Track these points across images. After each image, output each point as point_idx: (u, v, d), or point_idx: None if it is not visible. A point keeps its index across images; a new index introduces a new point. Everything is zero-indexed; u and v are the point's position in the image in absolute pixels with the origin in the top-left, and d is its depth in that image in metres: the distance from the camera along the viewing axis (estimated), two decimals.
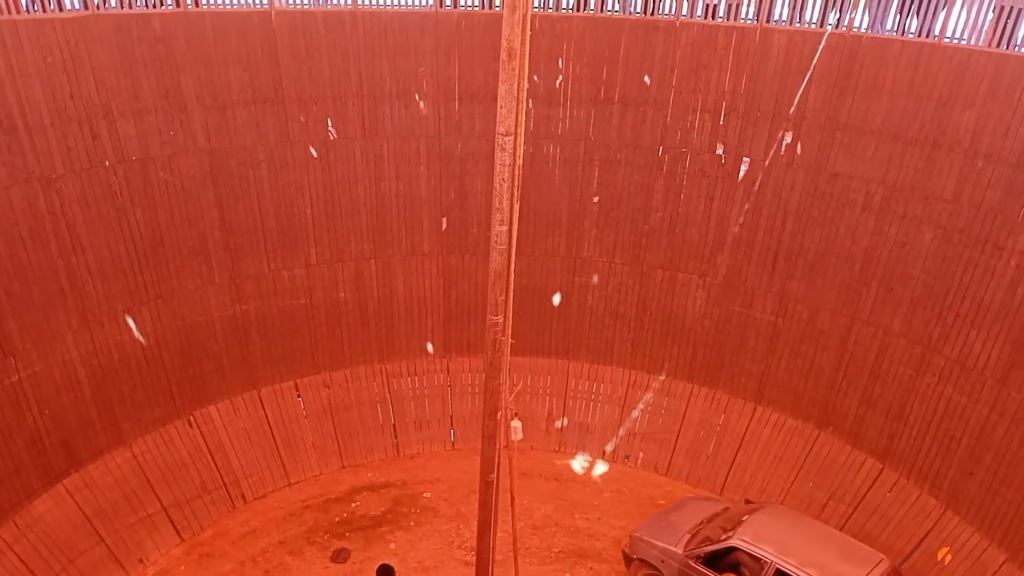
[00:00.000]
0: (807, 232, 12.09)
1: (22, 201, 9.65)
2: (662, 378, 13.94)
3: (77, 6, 10.02)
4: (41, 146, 9.71)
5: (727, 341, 13.27)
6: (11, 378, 9.92)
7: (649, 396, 13.97)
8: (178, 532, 11.77)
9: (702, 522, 10.86)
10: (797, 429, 12.79)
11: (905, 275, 11.20)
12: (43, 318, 10.16)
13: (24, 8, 9.59)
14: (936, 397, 11.07)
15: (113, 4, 10.28)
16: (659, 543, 10.66)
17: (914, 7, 10.73)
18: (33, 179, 9.71)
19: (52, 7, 9.76)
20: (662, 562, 10.58)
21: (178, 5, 10.63)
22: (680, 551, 10.36)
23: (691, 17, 11.93)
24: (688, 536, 10.64)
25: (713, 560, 10.23)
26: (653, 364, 13.99)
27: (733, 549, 10.08)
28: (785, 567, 9.51)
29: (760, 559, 9.74)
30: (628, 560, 11.21)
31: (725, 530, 10.41)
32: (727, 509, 11.37)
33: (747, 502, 12.08)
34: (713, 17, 11.87)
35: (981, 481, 10.48)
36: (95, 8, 10.03)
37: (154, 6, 10.48)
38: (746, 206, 12.44)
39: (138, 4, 10.38)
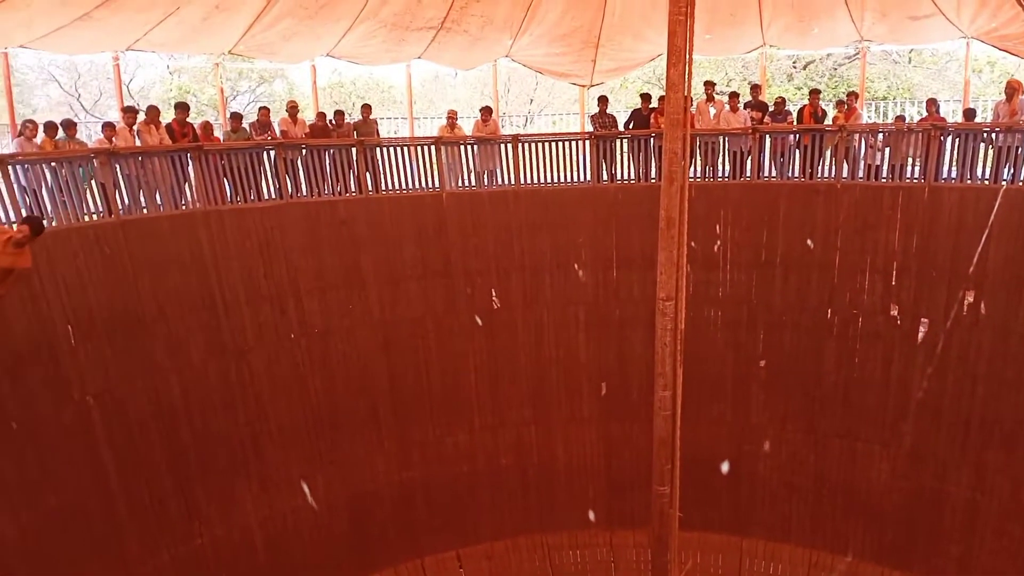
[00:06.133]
0: (1002, 397, 11.06)
1: (217, 373, 10.53)
2: (848, 559, 12.71)
3: (273, 196, 11.26)
4: (236, 322, 10.67)
5: (919, 518, 12.03)
6: (195, 542, 10.43)
7: None
8: None
9: None
10: None
11: None
12: (227, 483, 10.75)
13: (228, 199, 10.89)
14: None
15: (304, 193, 11.48)
16: None
17: None
18: (228, 352, 10.61)
19: (252, 198, 11.02)
20: None
21: (360, 191, 11.72)
22: None
23: (852, 179, 11.80)
24: None
25: None
26: (836, 543, 12.81)
27: None
28: None
29: None
30: None
31: None
32: None
33: None
34: (876, 178, 11.69)
35: None
36: (288, 197, 11.23)
37: (339, 193, 11.60)
38: (928, 370, 11.61)
39: (325, 192, 11.53)
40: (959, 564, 11.71)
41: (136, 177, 10.20)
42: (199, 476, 10.45)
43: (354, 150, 11.83)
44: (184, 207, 10.50)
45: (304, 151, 11.55)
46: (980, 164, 11.20)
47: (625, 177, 12.91)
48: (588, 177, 12.72)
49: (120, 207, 10.02)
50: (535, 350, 13.11)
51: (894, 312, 11.85)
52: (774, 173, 12.42)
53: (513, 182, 12.54)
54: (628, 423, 13.40)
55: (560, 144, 12.82)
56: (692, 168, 12.34)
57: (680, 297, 6.66)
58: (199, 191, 10.59)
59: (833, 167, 11.98)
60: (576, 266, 12.86)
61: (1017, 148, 10.84)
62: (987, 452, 11.31)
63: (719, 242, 12.60)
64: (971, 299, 11.19)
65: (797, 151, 12.33)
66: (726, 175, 12.59)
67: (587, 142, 12.85)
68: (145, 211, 10.23)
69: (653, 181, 12.57)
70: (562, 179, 12.78)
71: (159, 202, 10.33)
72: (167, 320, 10.07)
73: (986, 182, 11.03)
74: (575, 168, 12.78)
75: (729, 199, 12.43)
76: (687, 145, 6.74)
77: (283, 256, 11.05)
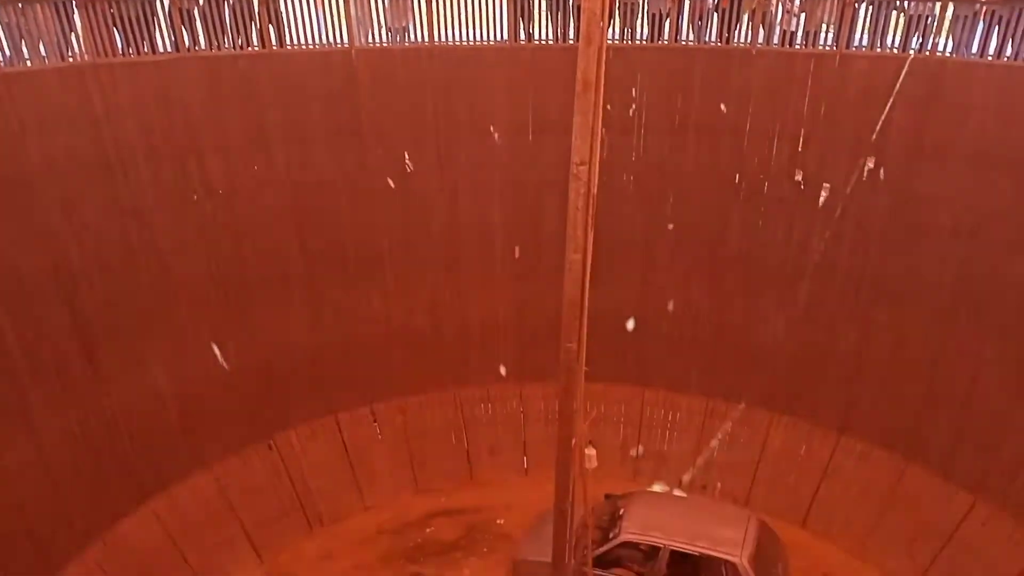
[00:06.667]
0: (892, 259, 11.71)
1: (116, 234, 10.18)
2: (741, 406, 13.65)
3: (169, 49, 10.55)
4: (134, 182, 10.23)
5: (808, 369, 12.92)
6: (102, 401, 10.43)
7: (727, 425, 13.69)
8: (258, 554, 12.08)
9: (578, 527, 10.46)
10: (883, 460, 12.32)
11: (999, 302, 10.73)
12: (134, 346, 10.66)
13: (120, 51, 10.15)
14: None
15: (203, 46, 10.77)
16: (549, 560, 10.24)
17: (1000, 30, 10.36)
18: (126, 213, 10.23)
19: (145, 50, 10.30)
20: None
21: (264, 46, 11.07)
22: (572, 561, 10.03)
23: (767, 44, 11.78)
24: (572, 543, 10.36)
25: (599, 560, 10.32)
26: (731, 392, 13.71)
27: (618, 545, 10.32)
28: (678, 547, 10.15)
29: (653, 546, 10.33)
30: None
31: (603, 529, 10.60)
32: (592, 509, 11.04)
33: (607, 497, 11.74)
34: (790, 44, 11.68)
35: None
36: (186, 50, 10.54)
37: (241, 47, 10.94)
38: (827, 233, 12.13)
39: (226, 46, 10.85)
40: (842, 409, 12.73)
41: (16, 26, 9.36)
42: (104, 339, 10.31)
43: (256, 0, 11.06)
44: (71, 60, 9.76)
45: (201, 0, 10.75)
46: (891, 32, 11.30)
47: (543, 37, 12.54)
48: (505, 36, 12.31)
49: (0, 59, 9.26)
50: (449, 214, 13.05)
51: (798, 177, 12.18)
52: (692, 37, 12.27)
53: (427, 39, 12.03)
54: (540, 284, 13.67)
55: None
56: (610, 30, 12.07)
57: (594, 161, 6.69)
58: (87, 43, 9.82)
59: (750, 32, 11.91)
60: (492, 129, 12.65)
61: (927, 17, 10.94)
62: (875, 309, 12.05)
63: (634, 106, 12.54)
64: (871, 165, 11.56)
65: (715, 15, 12.17)
66: (644, 38, 12.38)
67: None
68: (29, 64, 9.48)
69: (571, 42, 12.27)
70: (478, 38, 12.32)
71: (43, 54, 9.56)
72: (59, 180, 9.57)
73: (895, 51, 11.18)
74: (491, 26, 12.30)
75: (646, 63, 12.27)
76: (606, 5, 6.55)
77: (181, 113, 10.48)
